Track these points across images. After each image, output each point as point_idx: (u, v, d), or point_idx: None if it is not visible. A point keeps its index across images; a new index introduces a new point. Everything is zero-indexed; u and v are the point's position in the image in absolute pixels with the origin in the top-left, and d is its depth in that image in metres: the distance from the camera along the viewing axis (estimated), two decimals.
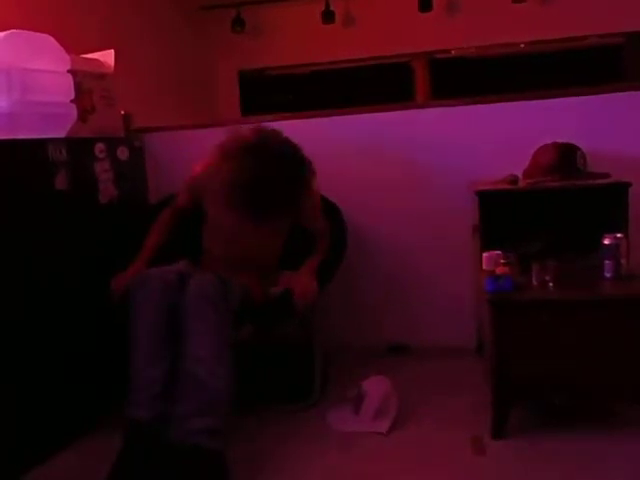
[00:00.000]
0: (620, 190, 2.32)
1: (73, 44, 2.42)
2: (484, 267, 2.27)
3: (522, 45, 5.31)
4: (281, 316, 2.34)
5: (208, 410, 1.90)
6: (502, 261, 2.15)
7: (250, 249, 2.38)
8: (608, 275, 2.12)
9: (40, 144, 2.20)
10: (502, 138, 2.75)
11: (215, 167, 2.34)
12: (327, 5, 5.20)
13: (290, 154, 2.29)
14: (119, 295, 2.21)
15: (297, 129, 2.40)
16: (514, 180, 2.50)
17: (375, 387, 2.29)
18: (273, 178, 2.23)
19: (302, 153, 2.32)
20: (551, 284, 2.09)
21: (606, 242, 2.12)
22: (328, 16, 5.21)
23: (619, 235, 2.13)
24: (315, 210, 2.47)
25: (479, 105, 2.82)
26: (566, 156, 2.48)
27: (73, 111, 2.37)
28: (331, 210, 2.60)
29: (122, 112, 2.74)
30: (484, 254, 2.30)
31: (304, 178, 2.33)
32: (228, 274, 2.19)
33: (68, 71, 2.35)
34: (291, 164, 2.28)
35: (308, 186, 2.36)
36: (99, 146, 2.46)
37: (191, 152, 2.67)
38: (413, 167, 2.85)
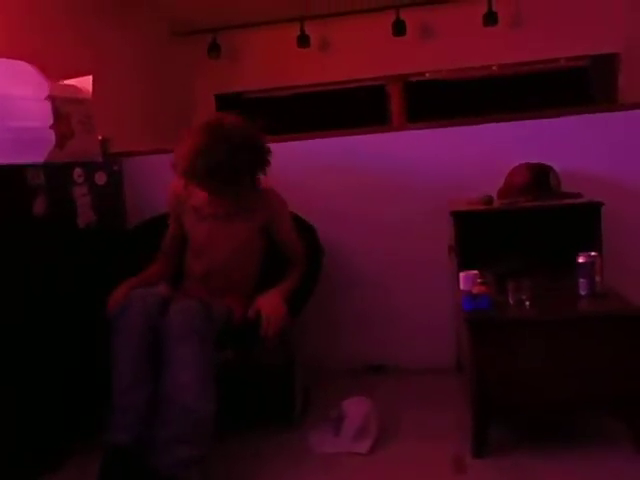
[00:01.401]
0: (593, 210, 2.37)
1: (51, 70, 2.42)
2: (461, 287, 2.29)
3: (494, 68, 5.43)
4: (257, 339, 2.33)
5: (192, 435, 1.89)
6: (479, 280, 2.18)
7: (225, 262, 2.36)
8: (583, 293, 2.16)
9: (18, 169, 2.19)
10: (476, 159, 2.80)
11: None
12: (302, 29, 5.26)
13: (247, 129, 2.30)
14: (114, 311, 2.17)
15: (273, 152, 2.40)
16: (488, 200, 2.54)
17: (355, 408, 2.29)
18: (222, 144, 2.17)
19: (262, 136, 2.32)
20: (527, 303, 2.12)
21: (581, 260, 2.16)
22: (303, 40, 5.27)
23: (593, 254, 2.17)
24: (290, 232, 2.44)
25: (453, 127, 2.88)
26: (539, 176, 2.53)
27: (51, 136, 2.37)
28: (307, 232, 2.58)
29: (100, 137, 2.74)
30: (461, 274, 2.32)
31: (258, 149, 2.29)
32: (209, 296, 2.19)
33: (46, 97, 2.35)
34: (245, 135, 2.28)
35: (263, 161, 2.30)
36: (77, 171, 2.46)
37: (169, 176, 2.66)
38: (391, 188, 2.89)
